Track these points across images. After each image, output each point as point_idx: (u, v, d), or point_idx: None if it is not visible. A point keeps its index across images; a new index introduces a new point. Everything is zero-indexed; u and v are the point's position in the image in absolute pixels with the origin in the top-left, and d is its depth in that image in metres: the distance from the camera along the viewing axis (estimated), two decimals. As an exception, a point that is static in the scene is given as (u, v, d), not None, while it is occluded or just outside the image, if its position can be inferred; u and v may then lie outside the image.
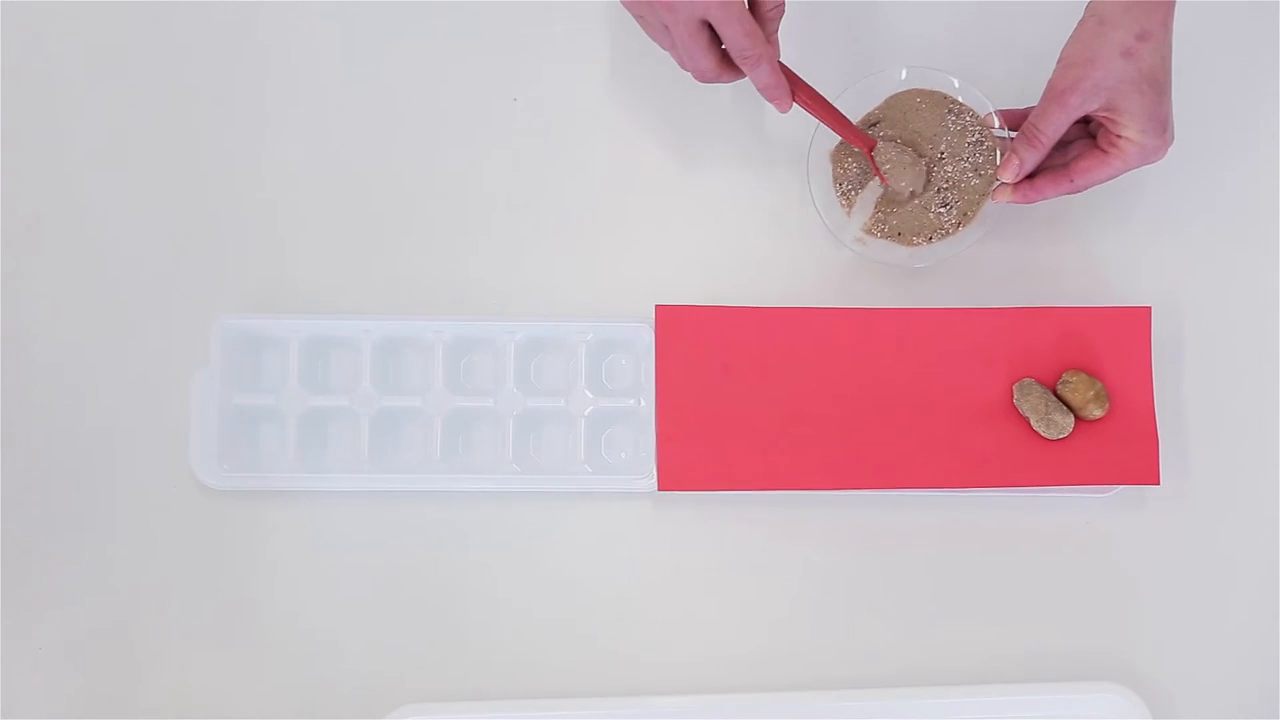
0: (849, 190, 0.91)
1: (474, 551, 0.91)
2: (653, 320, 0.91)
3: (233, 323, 0.90)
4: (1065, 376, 0.89)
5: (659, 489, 0.89)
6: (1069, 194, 0.86)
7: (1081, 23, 0.82)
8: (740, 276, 0.93)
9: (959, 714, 0.87)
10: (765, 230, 0.94)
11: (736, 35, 0.79)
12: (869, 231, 0.91)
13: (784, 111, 0.84)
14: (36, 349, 0.93)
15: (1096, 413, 0.89)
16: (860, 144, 0.89)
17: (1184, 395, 0.93)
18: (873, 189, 0.91)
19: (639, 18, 0.81)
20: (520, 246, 0.94)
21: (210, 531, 0.91)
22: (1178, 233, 0.92)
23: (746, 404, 0.90)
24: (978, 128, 0.89)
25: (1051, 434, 0.88)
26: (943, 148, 0.89)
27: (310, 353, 0.91)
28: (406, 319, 0.91)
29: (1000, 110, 0.89)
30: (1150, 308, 0.91)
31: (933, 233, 0.90)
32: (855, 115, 0.90)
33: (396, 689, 0.89)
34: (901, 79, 0.91)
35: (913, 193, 0.89)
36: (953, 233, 0.90)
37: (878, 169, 0.89)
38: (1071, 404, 0.89)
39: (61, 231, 0.94)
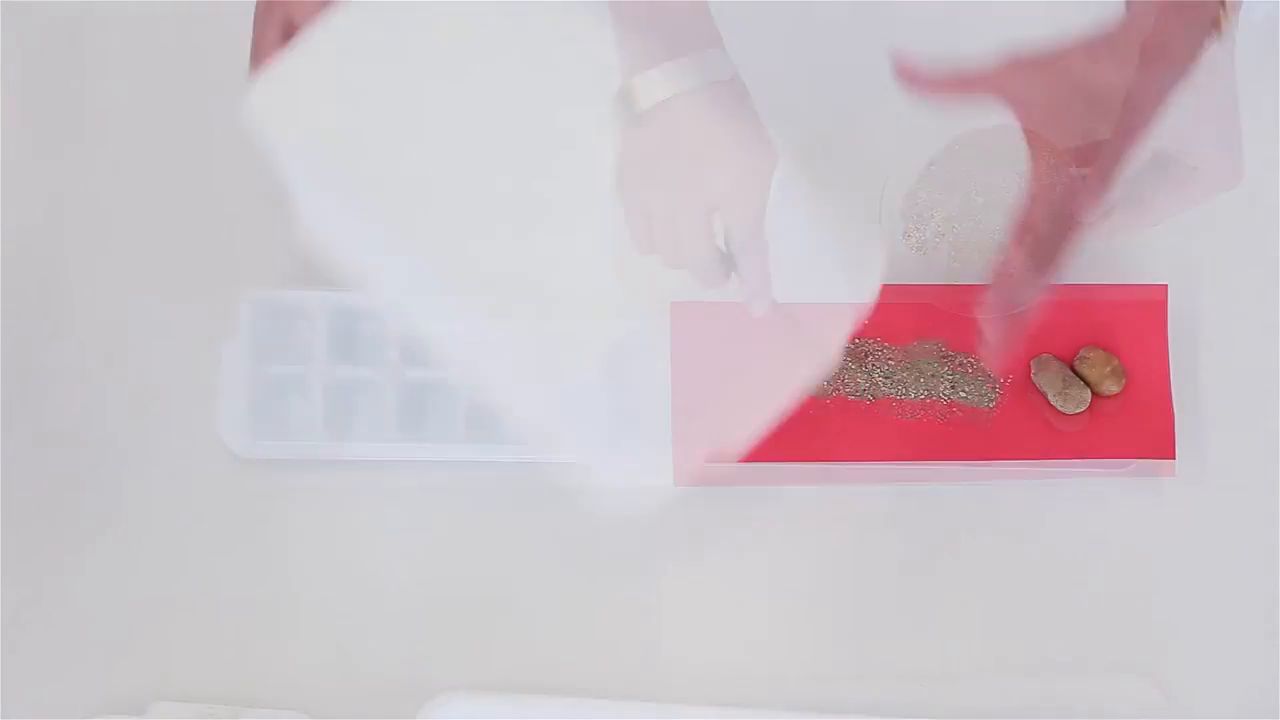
0: (924, 242, 0.91)
1: (501, 521, 0.92)
2: (668, 316, 0.91)
3: (262, 295, 0.92)
4: (1082, 352, 0.90)
5: (675, 485, 0.90)
6: (1148, 228, 0.85)
7: None
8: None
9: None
10: (781, 222, 0.94)
11: (747, 223, 0.73)
12: None
13: (761, 314, 0.79)
14: (67, 323, 0.94)
15: (1113, 388, 0.90)
16: None
17: (1200, 377, 0.93)
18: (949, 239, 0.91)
19: (635, 208, 0.75)
20: (537, 241, 0.94)
21: (239, 500, 0.92)
22: (1194, 210, 0.93)
23: (763, 397, 0.90)
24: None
25: (1068, 408, 0.89)
26: (1018, 186, 0.85)
27: (339, 325, 0.92)
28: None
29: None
30: (1166, 285, 0.92)
31: None
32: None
33: (429, 662, 0.89)
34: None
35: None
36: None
37: None
38: (1088, 379, 0.90)
39: (88, 209, 0.96)
